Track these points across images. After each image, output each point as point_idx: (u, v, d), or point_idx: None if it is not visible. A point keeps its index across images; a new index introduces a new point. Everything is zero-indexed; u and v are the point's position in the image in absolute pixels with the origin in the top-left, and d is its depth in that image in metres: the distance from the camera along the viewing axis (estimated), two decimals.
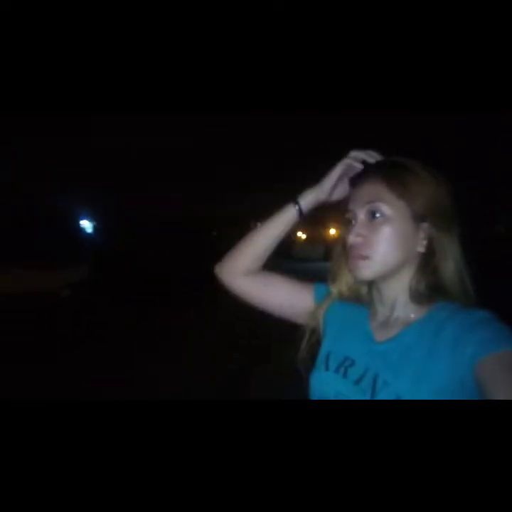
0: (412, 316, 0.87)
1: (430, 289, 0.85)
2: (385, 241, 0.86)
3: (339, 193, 0.99)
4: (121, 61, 1.25)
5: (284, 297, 1.03)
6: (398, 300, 0.89)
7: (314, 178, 1.01)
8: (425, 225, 0.86)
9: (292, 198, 1.00)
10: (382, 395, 0.82)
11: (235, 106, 1.38)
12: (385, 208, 0.86)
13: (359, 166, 0.95)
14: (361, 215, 0.88)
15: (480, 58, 1.20)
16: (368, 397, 0.83)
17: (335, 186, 0.98)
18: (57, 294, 8.08)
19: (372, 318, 0.93)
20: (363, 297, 0.96)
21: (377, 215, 0.86)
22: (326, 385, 0.91)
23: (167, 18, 1.20)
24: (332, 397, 0.89)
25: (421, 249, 0.86)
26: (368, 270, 0.87)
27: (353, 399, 0.86)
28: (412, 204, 0.85)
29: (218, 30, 1.21)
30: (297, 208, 0.99)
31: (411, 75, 1.25)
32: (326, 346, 0.96)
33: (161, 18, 1.20)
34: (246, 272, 1.04)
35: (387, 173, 0.87)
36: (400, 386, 0.81)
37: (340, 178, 0.97)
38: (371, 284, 0.93)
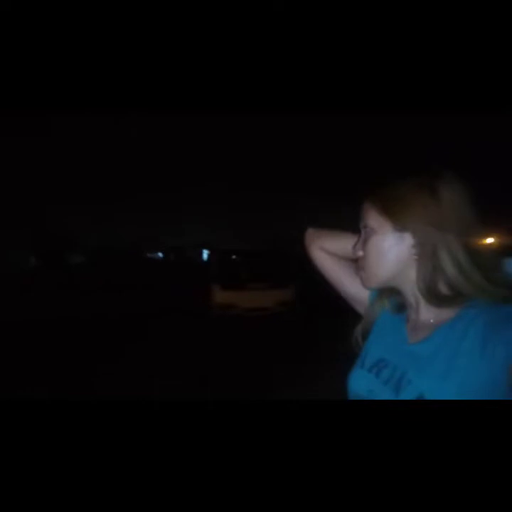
0: (441, 317, 0.90)
1: (452, 290, 0.88)
2: (372, 252, 0.94)
3: None
4: (122, 61, 1.25)
5: (347, 284, 1.15)
6: (420, 304, 0.94)
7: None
8: (407, 235, 0.91)
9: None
10: (406, 393, 0.86)
11: (235, 106, 1.38)
12: (370, 223, 0.95)
13: None
14: (362, 231, 0.98)
15: (480, 58, 1.20)
16: (393, 396, 0.88)
17: None
18: (274, 310, 10.00)
19: (408, 322, 0.99)
20: (400, 304, 1.02)
21: (367, 229, 0.96)
22: (359, 382, 0.98)
23: (165, 17, 1.19)
24: (365, 395, 0.95)
25: (412, 255, 0.91)
26: (366, 280, 0.97)
27: (382, 397, 0.90)
28: (390, 218, 0.92)
29: (218, 30, 1.21)
30: None
31: (411, 75, 1.25)
32: (366, 347, 1.03)
33: (160, 18, 1.20)
34: (327, 251, 1.18)
35: (372, 192, 0.97)
36: (424, 385, 0.84)
37: None
38: (394, 291, 1.01)
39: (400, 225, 0.91)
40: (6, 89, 1.21)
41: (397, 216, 0.91)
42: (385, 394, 0.91)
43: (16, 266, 23.27)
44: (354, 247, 1.00)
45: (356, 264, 1.00)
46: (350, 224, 1.07)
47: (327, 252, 1.18)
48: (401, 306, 1.02)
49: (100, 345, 7.97)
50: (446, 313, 0.89)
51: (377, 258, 0.94)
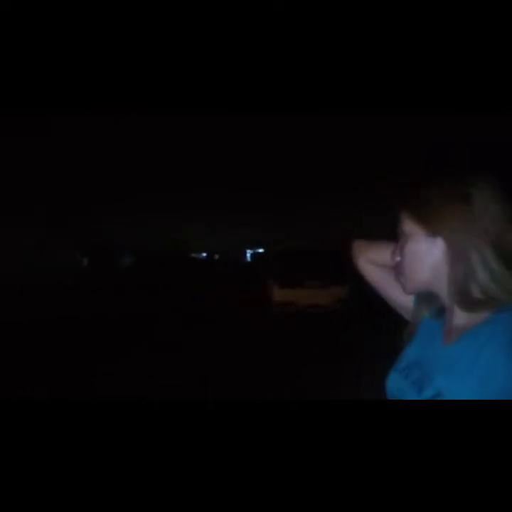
0: (473, 321, 0.91)
1: (484, 295, 0.89)
2: (407, 258, 0.97)
3: None
4: (124, 61, 1.25)
5: (392, 292, 1.17)
6: (453, 308, 0.95)
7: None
8: (439, 240, 0.93)
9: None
10: (426, 392, 0.88)
11: (235, 106, 1.38)
12: (405, 229, 0.97)
13: None
14: (400, 236, 1.00)
15: (480, 58, 1.19)
16: (415, 393, 0.91)
17: None
18: (330, 307, 10.30)
19: (445, 326, 1.00)
20: (440, 309, 1.04)
21: (403, 235, 0.98)
22: (392, 383, 1.01)
23: (165, 17, 1.19)
24: (396, 394, 0.99)
25: (445, 261, 0.93)
26: (404, 285, 1.00)
27: (408, 396, 0.93)
28: (422, 223, 0.94)
29: (218, 30, 1.21)
30: None
31: (411, 75, 1.25)
32: (405, 349, 1.06)
33: (160, 18, 1.19)
34: (374, 263, 1.21)
35: (405, 201, 0.99)
36: (442, 383, 0.86)
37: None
38: (432, 296, 1.02)
39: (431, 230, 0.93)
40: (6, 89, 1.21)
41: (428, 221, 0.93)
42: (410, 394, 0.93)
43: (64, 267, 23.40)
44: (393, 253, 1.02)
45: (396, 270, 1.02)
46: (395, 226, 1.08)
47: (374, 263, 1.22)
48: (441, 311, 1.03)
49: (158, 345, 7.89)
50: (479, 317, 0.90)
51: (413, 263, 0.96)
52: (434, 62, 1.23)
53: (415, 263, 0.96)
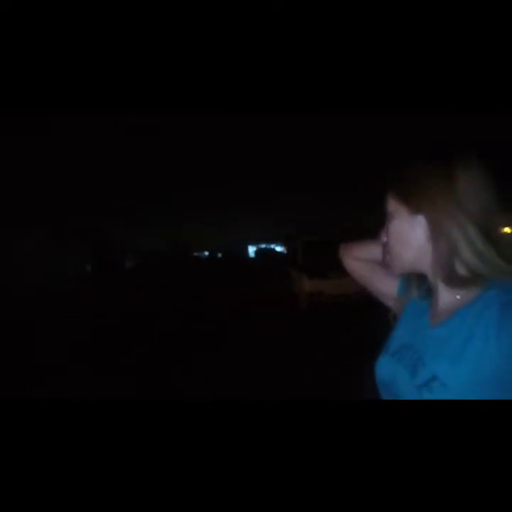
0: (461, 300, 0.91)
1: (469, 272, 0.88)
2: (392, 237, 0.98)
3: None
4: (124, 61, 1.25)
5: (377, 284, 1.21)
6: (439, 288, 0.95)
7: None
8: (421, 218, 0.93)
9: None
10: (420, 377, 0.87)
11: (234, 106, 1.37)
12: (389, 208, 0.98)
13: None
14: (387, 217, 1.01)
15: (480, 58, 1.19)
16: (409, 379, 0.90)
17: None
18: (356, 296, 10.16)
19: (432, 307, 1.00)
20: (423, 291, 1.05)
21: (388, 215, 0.99)
22: (383, 368, 1.01)
23: (165, 17, 1.19)
24: (387, 380, 0.98)
25: (428, 239, 0.93)
26: (391, 265, 1.00)
27: (401, 381, 0.93)
28: (404, 201, 0.95)
29: (217, 29, 1.21)
30: None
31: (411, 75, 1.25)
32: (392, 333, 1.07)
33: (160, 18, 1.19)
34: (359, 259, 1.26)
35: (391, 181, 0.99)
36: (437, 367, 0.85)
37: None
38: (420, 277, 1.03)
39: (413, 208, 0.94)
40: (6, 89, 1.21)
41: (410, 199, 0.94)
42: (403, 378, 0.92)
43: (73, 270, 23.46)
44: (381, 234, 1.03)
45: (384, 250, 1.03)
46: None
47: (359, 259, 1.26)
48: (428, 292, 1.03)
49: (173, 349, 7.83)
50: (467, 296, 0.90)
51: (397, 242, 0.97)
52: (434, 62, 1.23)
53: (400, 242, 0.97)
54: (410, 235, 0.95)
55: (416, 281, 1.06)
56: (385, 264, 1.03)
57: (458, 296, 0.91)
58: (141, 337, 8.69)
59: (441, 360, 0.86)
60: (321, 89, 1.32)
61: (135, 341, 8.29)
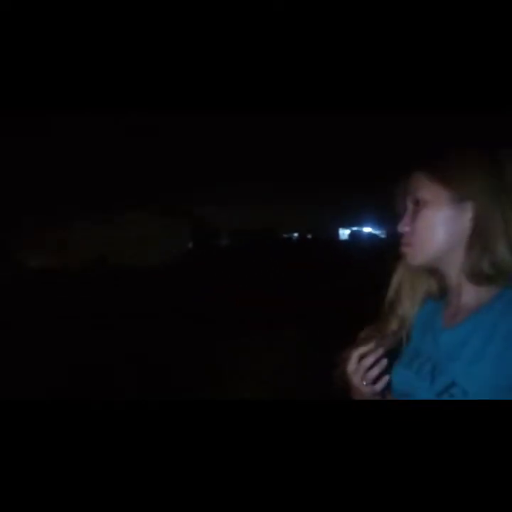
0: (481, 300, 0.85)
1: (496, 270, 0.83)
2: (425, 227, 0.88)
3: None
4: (124, 61, 1.25)
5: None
6: (463, 286, 0.89)
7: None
8: (467, 206, 0.85)
9: None
10: (440, 382, 0.82)
11: (234, 106, 1.37)
12: (424, 194, 0.88)
13: None
14: (409, 205, 0.92)
15: (480, 58, 1.19)
16: (427, 385, 0.85)
17: None
18: None
19: (446, 307, 0.94)
20: (435, 292, 0.98)
21: (418, 203, 0.89)
22: (397, 378, 0.95)
23: (165, 17, 1.19)
24: (403, 389, 0.92)
25: (467, 230, 0.86)
26: (413, 257, 0.91)
27: (418, 389, 0.87)
28: (449, 187, 0.86)
29: (217, 29, 1.21)
30: None
31: (411, 75, 1.25)
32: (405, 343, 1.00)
33: (160, 18, 1.19)
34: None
35: (425, 161, 0.91)
36: (456, 372, 0.80)
37: None
38: (437, 275, 0.95)
39: (460, 194, 0.86)
40: (6, 89, 1.21)
41: (457, 185, 0.86)
42: (419, 385, 0.87)
43: (171, 254, 23.55)
44: (399, 223, 0.93)
45: (403, 241, 0.93)
46: None
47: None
48: (440, 294, 0.97)
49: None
50: (486, 295, 0.84)
51: (430, 232, 0.88)
52: (435, 62, 1.23)
53: (432, 232, 0.88)
54: (448, 225, 0.87)
55: (435, 283, 0.98)
56: (402, 255, 0.94)
57: (479, 295, 0.86)
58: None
59: (459, 363, 0.81)
60: (322, 88, 1.32)
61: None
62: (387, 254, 1.02)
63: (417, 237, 0.90)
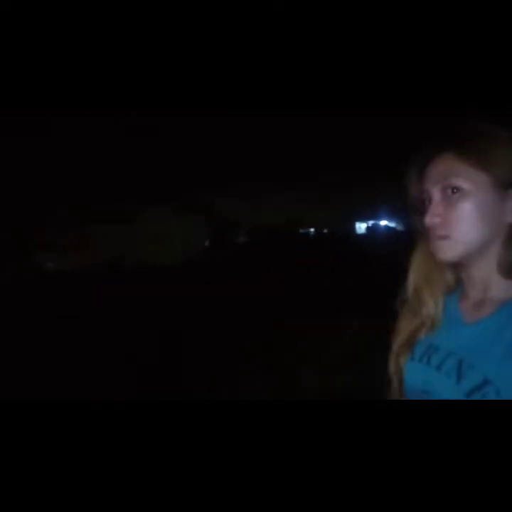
0: (505, 293, 0.80)
1: None
2: (466, 218, 0.80)
3: None
4: (124, 61, 1.25)
5: None
6: (491, 279, 0.83)
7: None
8: (510, 193, 0.79)
9: None
10: (469, 380, 0.77)
11: (234, 106, 1.38)
12: (462, 182, 0.80)
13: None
14: (436, 193, 0.83)
15: (480, 58, 1.19)
16: (453, 382, 0.79)
17: None
18: None
19: (462, 300, 0.88)
20: (451, 285, 0.92)
21: (454, 190, 0.80)
22: (413, 374, 0.89)
23: (165, 17, 1.19)
24: (420, 386, 0.86)
25: (510, 219, 0.80)
26: (450, 251, 0.82)
27: (440, 386, 0.81)
28: (492, 172, 0.79)
29: (217, 29, 1.21)
30: None
31: (411, 75, 1.25)
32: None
33: (160, 18, 1.19)
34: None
35: (458, 143, 0.81)
36: (488, 368, 0.75)
37: None
38: (457, 267, 0.88)
39: (504, 181, 0.78)
40: (6, 89, 1.21)
41: (501, 169, 0.78)
42: (442, 382, 0.81)
43: (192, 250, 23.82)
44: (426, 214, 0.84)
45: (433, 233, 0.84)
46: None
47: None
48: (455, 286, 0.91)
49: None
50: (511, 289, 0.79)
51: (473, 224, 0.80)
52: (435, 62, 1.23)
53: (476, 222, 0.80)
54: (493, 214, 0.80)
55: (450, 274, 0.92)
56: (433, 248, 0.85)
57: (506, 288, 0.81)
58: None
59: (490, 359, 0.75)
60: (321, 89, 1.32)
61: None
62: (403, 247, 0.96)
63: (457, 229, 0.81)
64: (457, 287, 0.91)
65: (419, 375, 0.87)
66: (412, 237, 0.94)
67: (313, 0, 1.20)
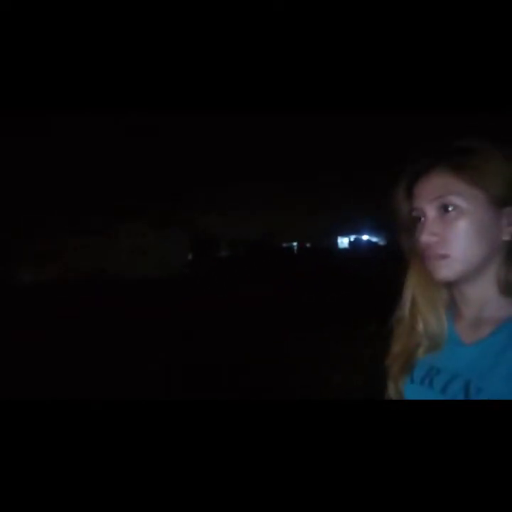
0: (506, 311, 0.79)
1: None
2: (464, 236, 0.78)
3: None
4: (124, 61, 1.25)
5: None
6: (487, 297, 0.81)
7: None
8: (508, 209, 0.78)
9: None
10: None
11: (234, 106, 1.37)
12: (458, 200, 0.78)
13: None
14: (431, 211, 0.81)
15: (481, 58, 1.19)
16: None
17: None
18: None
19: (457, 319, 0.86)
20: (447, 302, 0.90)
21: (450, 208, 0.79)
22: (414, 397, 0.86)
23: (165, 17, 1.19)
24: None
25: (507, 237, 0.79)
26: (448, 270, 0.80)
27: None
28: (487, 189, 0.78)
29: (217, 29, 1.21)
30: None
31: (411, 75, 1.25)
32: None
33: (160, 18, 1.19)
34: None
35: (452, 160, 0.80)
36: (495, 391, 0.73)
37: None
38: (449, 285, 0.86)
39: (504, 198, 0.77)
40: (6, 89, 1.21)
41: (497, 187, 0.77)
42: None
43: (174, 265, 24.19)
44: (421, 232, 0.81)
45: (429, 252, 0.82)
46: None
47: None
48: (449, 305, 0.89)
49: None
50: (511, 305, 0.79)
51: (472, 242, 0.78)
52: (435, 62, 1.23)
53: (475, 241, 0.78)
54: (491, 232, 0.78)
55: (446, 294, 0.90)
56: (431, 268, 0.82)
57: (503, 306, 0.80)
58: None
59: (496, 382, 0.74)
60: (321, 89, 1.32)
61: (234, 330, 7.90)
62: (389, 263, 0.95)
63: (456, 248, 0.79)
64: (451, 305, 0.89)
65: (421, 398, 0.84)
66: (396, 253, 0.92)
67: (313, 0, 1.19)
